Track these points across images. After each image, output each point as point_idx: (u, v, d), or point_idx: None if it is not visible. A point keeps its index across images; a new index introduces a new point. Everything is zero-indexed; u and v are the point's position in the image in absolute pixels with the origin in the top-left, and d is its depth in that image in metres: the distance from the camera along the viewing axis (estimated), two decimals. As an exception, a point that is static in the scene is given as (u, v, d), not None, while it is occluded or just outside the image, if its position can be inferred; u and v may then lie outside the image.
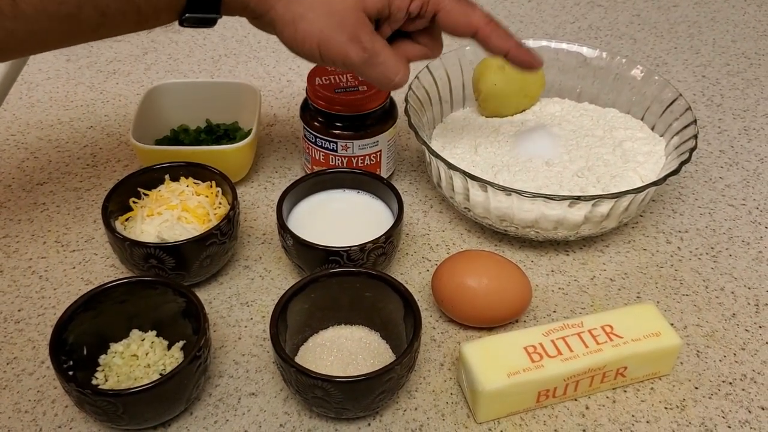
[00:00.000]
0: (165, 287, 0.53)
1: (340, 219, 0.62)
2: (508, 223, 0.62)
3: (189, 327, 0.53)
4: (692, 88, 0.87)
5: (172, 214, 0.59)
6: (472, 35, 0.56)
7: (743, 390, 0.54)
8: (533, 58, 0.57)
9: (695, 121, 0.65)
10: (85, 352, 0.52)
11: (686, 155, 0.61)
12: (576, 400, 0.53)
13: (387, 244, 0.58)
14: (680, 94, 0.68)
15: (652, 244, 0.66)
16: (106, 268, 0.62)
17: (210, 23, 0.54)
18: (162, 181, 0.62)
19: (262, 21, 0.55)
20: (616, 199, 0.58)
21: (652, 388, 0.54)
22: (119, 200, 0.60)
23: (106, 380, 0.52)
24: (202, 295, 0.59)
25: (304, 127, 0.67)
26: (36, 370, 0.55)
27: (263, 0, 0.53)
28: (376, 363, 0.52)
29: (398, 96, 0.70)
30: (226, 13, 0.54)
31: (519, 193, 0.58)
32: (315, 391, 0.48)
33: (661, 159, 0.66)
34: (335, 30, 0.52)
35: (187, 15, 0.52)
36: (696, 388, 0.54)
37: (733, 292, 0.62)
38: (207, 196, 0.61)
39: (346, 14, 0.52)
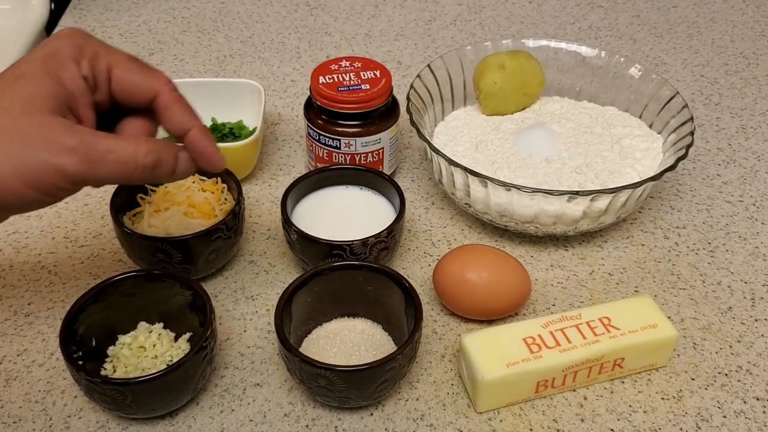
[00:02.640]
0: (172, 280, 0.54)
1: (343, 214, 0.63)
2: (508, 218, 0.63)
3: (195, 319, 0.54)
4: (691, 87, 0.88)
5: (179, 210, 0.60)
6: (150, 101, 0.46)
7: (739, 381, 0.55)
8: (216, 155, 0.47)
9: (692, 119, 0.66)
10: (93, 343, 0.53)
11: (683, 152, 0.63)
12: (574, 390, 0.54)
13: (389, 238, 0.59)
14: (677, 92, 0.69)
15: (650, 239, 0.67)
16: (113, 263, 0.64)
17: None
18: (169, 178, 0.63)
19: None
20: (613, 194, 0.59)
21: (649, 379, 0.55)
22: (126, 196, 0.61)
23: (115, 371, 0.53)
24: (208, 288, 0.60)
25: (308, 125, 0.69)
26: (46, 361, 0.56)
27: None
28: (378, 354, 0.53)
29: (400, 94, 0.71)
30: None
31: (519, 189, 0.59)
32: (319, 380, 0.49)
33: (658, 155, 0.67)
34: (26, 152, 0.40)
35: None
36: (692, 379, 0.55)
37: (729, 286, 0.63)
38: (213, 192, 0.62)
39: (25, 127, 0.40)
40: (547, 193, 0.58)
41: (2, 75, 0.43)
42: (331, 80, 0.67)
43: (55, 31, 0.45)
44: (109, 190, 0.69)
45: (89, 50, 0.44)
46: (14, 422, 0.52)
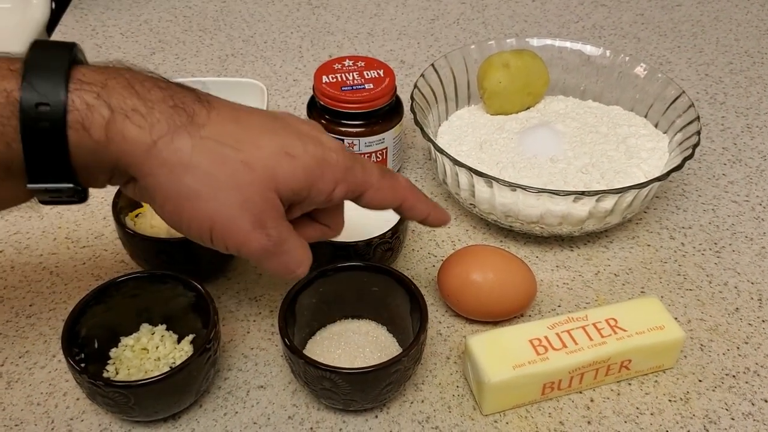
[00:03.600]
0: (175, 281, 0.53)
1: (347, 215, 0.62)
2: (513, 218, 0.63)
3: (198, 321, 0.54)
4: (696, 86, 0.87)
5: (182, 210, 0.60)
6: (397, 207, 0.49)
7: (746, 383, 0.55)
8: (446, 215, 0.52)
9: (698, 118, 0.66)
10: (96, 345, 0.53)
11: (689, 151, 0.62)
12: (581, 392, 0.54)
13: (393, 239, 0.58)
14: (683, 92, 0.69)
15: (656, 239, 0.67)
16: (115, 264, 0.63)
17: (75, 196, 0.41)
18: (171, 178, 0.63)
19: (136, 186, 0.42)
20: (619, 195, 0.59)
21: (656, 381, 0.55)
22: (128, 197, 0.61)
23: (117, 373, 0.52)
24: (211, 290, 0.60)
25: (311, 125, 0.68)
26: (48, 363, 0.55)
27: (136, 162, 0.39)
28: (383, 356, 0.53)
29: (404, 94, 0.71)
30: (90, 181, 0.42)
31: (524, 189, 0.58)
32: (323, 382, 0.48)
33: (664, 155, 0.67)
34: (237, 211, 0.41)
35: (30, 185, 0.39)
36: (700, 381, 0.55)
37: (736, 287, 0.62)
38: (215, 193, 0.62)
39: (253, 193, 0.41)
40: (553, 193, 0.58)
41: (280, 135, 0.43)
42: (335, 80, 0.66)
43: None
44: (111, 190, 0.68)
45: (352, 179, 0.45)
46: (16, 425, 0.51)
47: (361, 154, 0.67)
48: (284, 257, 0.44)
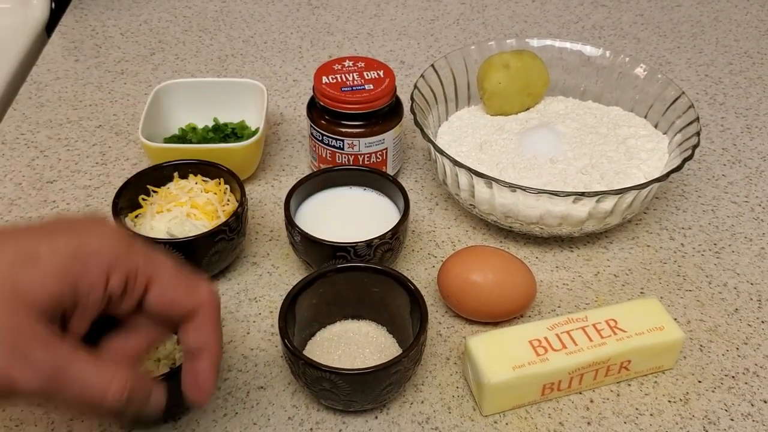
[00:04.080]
0: (175, 282, 0.53)
1: (347, 215, 0.63)
2: (513, 219, 0.63)
3: (198, 321, 0.54)
4: (695, 86, 0.87)
5: (182, 211, 0.60)
6: (185, 317, 0.41)
7: (746, 384, 0.55)
8: (208, 394, 0.42)
9: (698, 119, 0.66)
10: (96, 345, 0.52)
11: (689, 152, 0.62)
12: (581, 393, 0.54)
13: (393, 240, 0.58)
14: (683, 92, 0.69)
15: (655, 240, 0.67)
16: (115, 265, 0.63)
17: None
18: (171, 179, 0.63)
19: None
20: (619, 195, 0.59)
21: (655, 382, 0.55)
22: (129, 197, 0.61)
23: (117, 374, 0.52)
24: (211, 290, 0.60)
25: (311, 125, 0.68)
26: (48, 364, 0.55)
27: None
28: (382, 357, 0.53)
29: (403, 94, 0.71)
30: None
31: (524, 190, 0.58)
32: (323, 383, 0.48)
33: (664, 156, 0.67)
34: None
35: None
36: (699, 381, 0.55)
37: (735, 288, 0.62)
38: (215, 193, 0.62)
39: None
40: (553, 194, 0.58)
41: (18, 238, 0.37)
42: (335, 80, 0.66)
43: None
44: (111, 191, 0.68)
45: (128, 264, 0.38)
46: (16, 426, 0.51)
47: (361, 154, 0.67)
48: (75, 387, 0.36)
